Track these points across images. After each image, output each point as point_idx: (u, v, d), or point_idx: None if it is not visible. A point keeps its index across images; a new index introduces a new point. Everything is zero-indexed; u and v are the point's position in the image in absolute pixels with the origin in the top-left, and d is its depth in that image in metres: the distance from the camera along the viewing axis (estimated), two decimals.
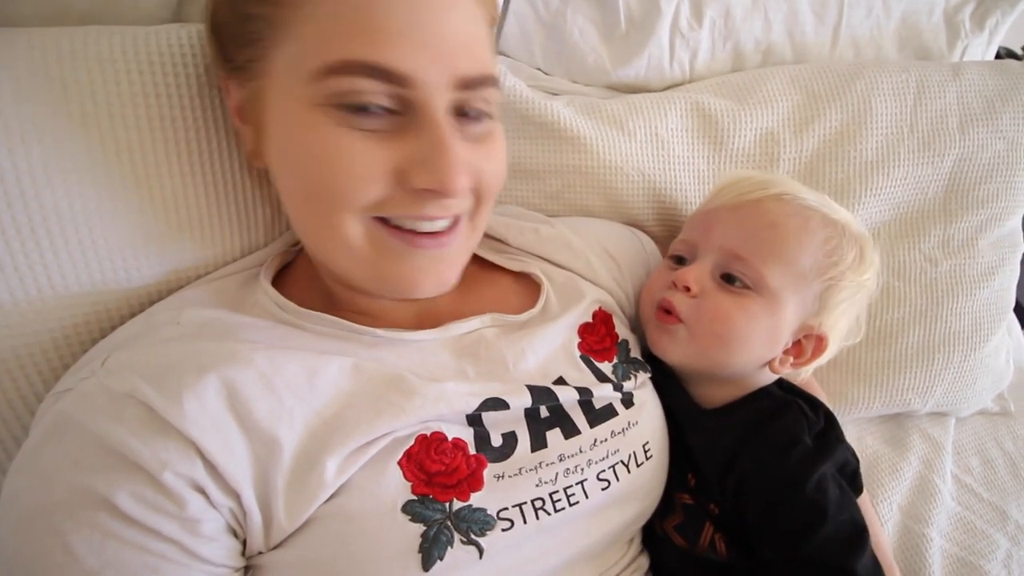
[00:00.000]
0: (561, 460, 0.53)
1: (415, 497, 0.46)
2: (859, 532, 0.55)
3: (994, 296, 0.95)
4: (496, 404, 0.53)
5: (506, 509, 0.49)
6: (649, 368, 0.66)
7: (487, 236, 0.70)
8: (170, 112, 0.57)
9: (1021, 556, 0.86)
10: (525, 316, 0.62)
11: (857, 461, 0.62)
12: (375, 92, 0.45)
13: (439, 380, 0.52)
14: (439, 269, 0.53)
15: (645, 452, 0.58)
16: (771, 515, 0.55)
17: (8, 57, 0.51)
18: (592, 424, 0.56)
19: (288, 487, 0.44)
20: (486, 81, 0.49)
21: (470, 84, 0.48)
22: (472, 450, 0.50)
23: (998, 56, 1.12)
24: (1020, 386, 1.07)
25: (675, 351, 0.63)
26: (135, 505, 0.40)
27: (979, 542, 0.87)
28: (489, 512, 0.48)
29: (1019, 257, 0.98)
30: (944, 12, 1.04)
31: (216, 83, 0.58)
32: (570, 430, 0.55)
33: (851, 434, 0.76)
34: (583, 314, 0.64)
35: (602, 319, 0.65)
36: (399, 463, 0.47)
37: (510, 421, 0.54)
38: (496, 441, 0.52)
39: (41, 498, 0.41)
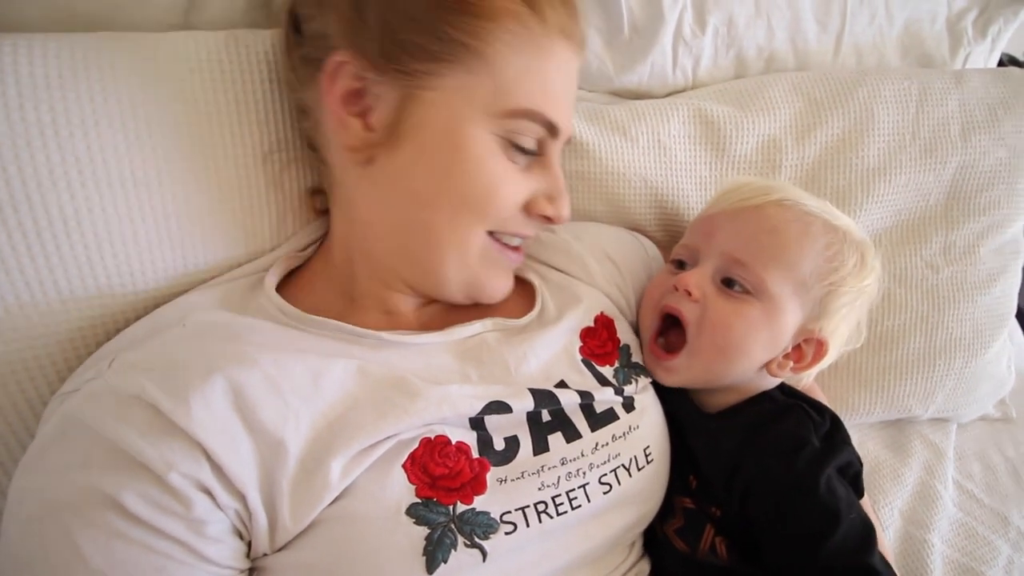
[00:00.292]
0: (563, 464, 0.53)
1: (419, 500, 0.46)
2: (870, 532, 0.55)
3: (995, 303, 0.95)
4: (499, 407, 0.53)
5: (509, 512, 0.49)
6: (650, 373, 0.66)
7: None
8: (174, 118, 0.57)
9: (1022, 562, 0.85)
10: (525, 320, 0.63)
11: (861, 465, 0.62)
12: (535, 136, 0.55)
13: (442, 383, 0.53)
14: (511, 276, 0.63)
15: (646, 456, 0.58)
16: (782, 520, 0.55)
17: (13, 62, 0.51)
18: (593, 428, 0.57)
19: (293, 489, 0.44)
20: None
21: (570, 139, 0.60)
22: (475, 453, 0.50)
23: (1000, 64, 1.12)
24: (1021, 392, 1.07)
25: (676, 380, 0.64)
26: (142, 505, 0.40)
27: (980, 548, 0.86)
28: (492, 515, 0.48)
29: (1020, 264, 0.98)
30: (947, 20, 1.04)
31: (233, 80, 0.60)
32: (572, 434, 0.55)
33: (853, 439, 0.76)
34: (584, 318, 0.65)
35: (604, 324, 0.66)
36: (403, 466, 0.47)
37: (512, 425, 0.54)
38: (499, 445, 0.52)
39: (48, 498, 0.41)
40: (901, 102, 0.90)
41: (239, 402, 0.45)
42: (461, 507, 0.47)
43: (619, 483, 0.55)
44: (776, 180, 0.86)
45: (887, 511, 0.87)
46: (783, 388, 0.68)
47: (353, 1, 0.51)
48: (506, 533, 0.48)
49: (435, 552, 0.45)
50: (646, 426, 0.60)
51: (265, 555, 0.46)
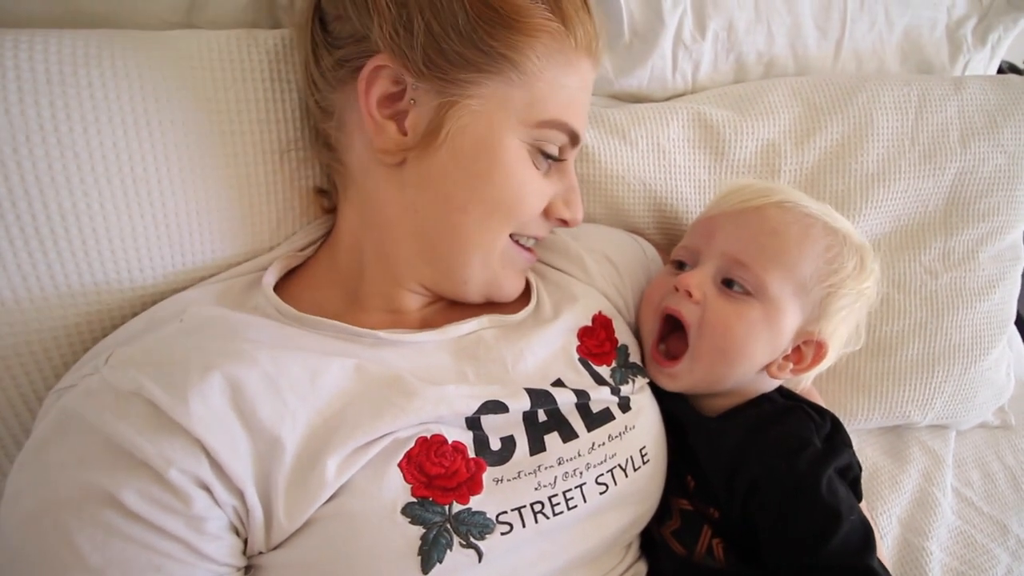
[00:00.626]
0: (559, 464, 0.53)
1: (415, 499, 0.46)
2: (870, 532, 0.55)
3: (995, 309, 0.95)
4: (495, 407, 0.53)
5: (505, 513, 0.49)
6: (647, 373, 0.66)
7: None
8: (174, 116, 0.57)
9: (1021, 571, 0.85)
10: (521, 316, 0.64)
11: (860, 469, 0.62)
12: (558, 144, 0.58)
13: (439, 383, 0.53)
14: (524, 276, 0.66)
15: (642, 456, 0.58)
16: (784, 520, 0.55)
17: (13, 57, 0.51)
18: (590, 428, 0.56)
19: (289, 487, 0.44)
20: None
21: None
22: (471, 453, 0.50)
23: (1000, 71, 1.12)
24: (1021, 399, 1.07)
25: (677, 386, 0.64)
26: (141, 502, 0.40)
27: (979, 556, 0.86)
28: (488, 515, 0.48)
29: (1020, 270, 0.98)
30: (946, 27, 1.05)
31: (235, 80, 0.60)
32: (568, 434, 0.55)
33: None
34: (582, 317, 0.65)
35: (602, 323, 0.66)
36: (399, 465, 0.47)
37: (509, 425, 0.54)
38: (495, 445, 0.52)
39: (46, 495, 0.41)
40: (900, 108, 0.90)
41: (237, 399, 0.45)
42: (457, 507, 0.47)
43: (615, 483, 0.55)
44: (777, 183, 0.86)
45: (885, 518, 0.87)
46: (782, 391, 0.68)
47: (398, 8, 0.51)
48: (502, 533, 0.48)
49: (431, 552, 0.44)
50: (642, 426, 0.60)
51: (261, 553, 0.45)
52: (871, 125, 0.89)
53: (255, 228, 0.63)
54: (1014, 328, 1.06)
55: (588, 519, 0.53)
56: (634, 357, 0.66)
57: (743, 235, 0.62)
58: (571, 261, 0.72)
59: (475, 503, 0.48)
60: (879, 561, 0.55)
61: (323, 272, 0.63)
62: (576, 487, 0.53)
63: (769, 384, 0.66)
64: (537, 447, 0.53)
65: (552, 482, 0.52)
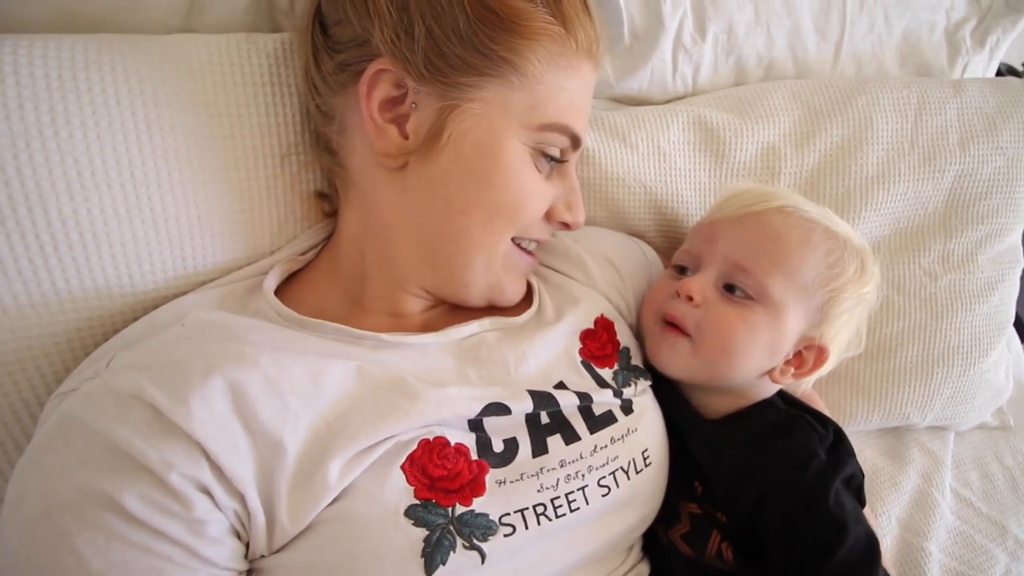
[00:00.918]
0: (562, 466, 0.53)
1: (418, 501, 0.46)
2: (875, 543, 0.56)
3: (994, 311, 0.95)
4: (498, 409, 0.53)
5: (508, 514, 0.49)
6: (650, 376, 0.66)
7: None
8: (174, 120, 0.57)
9: (1020, 571, 0.85)
10: (523, 318, 0.64)
11: (863, 476, 0.62)
12: (560, 147, 0.58)
13: (442, 385, 0.53)
14: (525, 279, 0.66)
15: (644, 459, 0.58)
16: (791, 532, 0.55)
17: (13, 62, 0.51)
18: (592, 430, 0.57)
19: (291, 490, 0.44)
20: None
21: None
22: (474, 455, 0.50)
23: (999, 73, 1.13)
24: (1019, 401, 1.07)
25: (677, 364, 0.63)
26: (142, 506, 0.40)
27: (978, 557, 0.86)
28: (491, 517, 0.48)
29: (1019, 272, 0.98)
30: (945, 29, 1.05)
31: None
32: (570, 436, 0.55)
33: None
34: (584, 320, 0.65)
35: (604, 326, 0.66)
36: (402, 467, 0.47)
37: (511, 427, 0.54)
38: (498, 447, 0.52)
39: (47, 499, 0.41)
40: (900, 111, 0.91)
41: (238, 402, 0.45)
42: (460, 509, 0.47)
43: (617, 486, 0.55)
44: (777, 187, 0.86)
45: (885, 519, 0.87)
46: (783, 396, 0.68)
47: (399, 12, 0.52)
48: (505, 535, 0.48)
49: (434, 554, 0.44)
50: (644, 429, 0.60)
51: (263, 556, 0.45)
52: (871, 128, 0.89)
53: (256, 232, 0.63)
54: (1013, 330, 1.06)
55: (590, 521, 0.53)
56: (636, 360, 0.66)
57: (745, 240, 0.62)
58: (573, 264, 0.72)
59: (478, 505, 0.48)
60: (884, 572, 0.55)
61: (324, 276, 0.63)
62: (578, 489, 0.53)
63: (770, 388, 0.66)
64: (540, 449, 0.53)
65: (554, 484, 0.52)
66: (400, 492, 0.46)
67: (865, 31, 1.00)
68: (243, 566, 0.45)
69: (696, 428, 0.64)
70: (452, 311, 0.65)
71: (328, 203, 0.67)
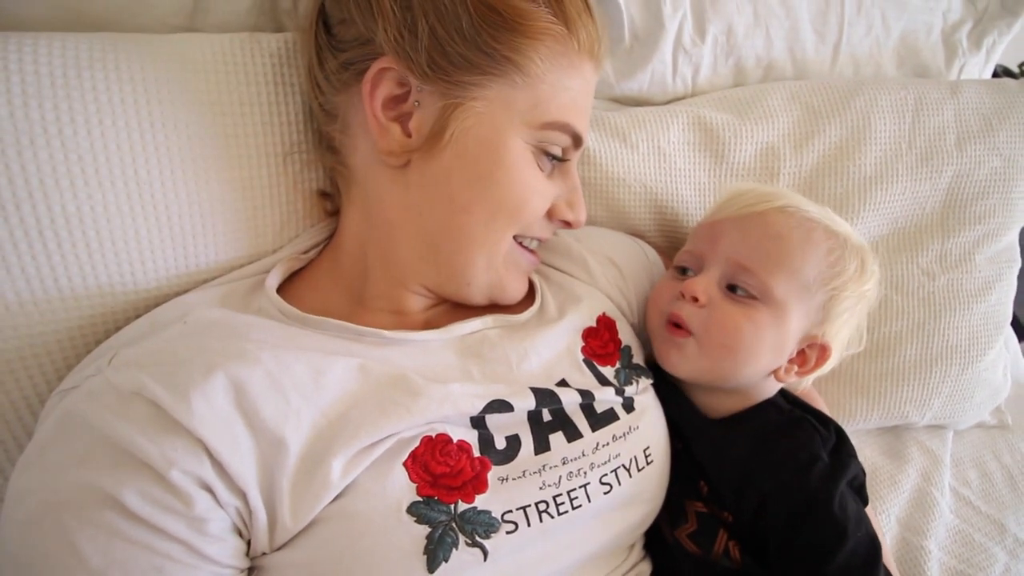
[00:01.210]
0: (564, 463, 0.53)
1: (420, 499, 0.46)
2: (876, 547, 0.56)
3: (991, 310, 0.96)
4: (500, 406, 0.53)
5: (510, 512, 0.49)
6: (651, 374, 0.66)
7: None
8: (177, 119, 0.57)
9: (1019, 569, 0.86)
10: (525, 316, 0.64)
11: (864, 475, 0.62)
12: (561, 146, 0.59)
13: (444, 381, 0.53)
14: (527, 278, 0.66)
15: (646, 457, 0.58)
16: (792, 534, 0.56)
17: (18, 60, 0.51)
18: (594, 428, 0.57)
19: (293, 488, 0.44)
20: None
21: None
22: (476, 452, 0.50)
23: (995, 75, 1.14)
24: (1017, 399, 1.08)
25: (684, 365, 0.64)
26: (142, 504, 0.40)
27: (977, 555, 0.87)
28: (494, 514, 0.48)
29: (1016, 272, 0.99)
30: (942, 31, 1.06)
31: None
32: (572, 433, 0.55)
33: None
34: (586, 318, 0.65)
35: (606, 324, 0.66)
36: (404, 464, 0.47)
37: (514, 424, 0.54)
38: (500, 444, 0.52)
39: (47, 497, 0.41)
40: (898, 112, 0.91)
41: (240, 399, 0.45)
42: (462, 506, 0.47)
43: (619, 483, 0.55)
44: (777, 187, 0.87)
45: (884, 517, 0.87)
46: (784, 395, 0.68)
47: (403, 12, 0.52)
48: (507, 532, 0.48)
49: (436, 551, 0.44)
50: (646, 427, 0.60)
51: (264, 554, 0.45)
52: (869, 128, 0.90)
53: (258, 231, 0.63)
54: (1010, 329, 1.07)
55: (592, 519, 0.53)
56: (637, 358, 0.66)
57: (747, 240, 0.63)
58: (574, 263, 0.72)
59: (480, 502, 0.48)
60: (887, 572, 0.55)
61: (326, 274, 0.63)
62: (580, 487, 0.53)
63: (773, 387, 0.66)
64: (542, 446, 0.54)
65: (557, 482, 0.52)
66: (402, 489, 0.46)
67: (863, 33, 1.01)
68: (244, 564, 0.45)
69: (699, 430, 0.64)
70: (454, 309, 0.65)
71: (330, 202, 0.67)
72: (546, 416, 0.56)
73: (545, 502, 0.50)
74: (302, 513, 0.44)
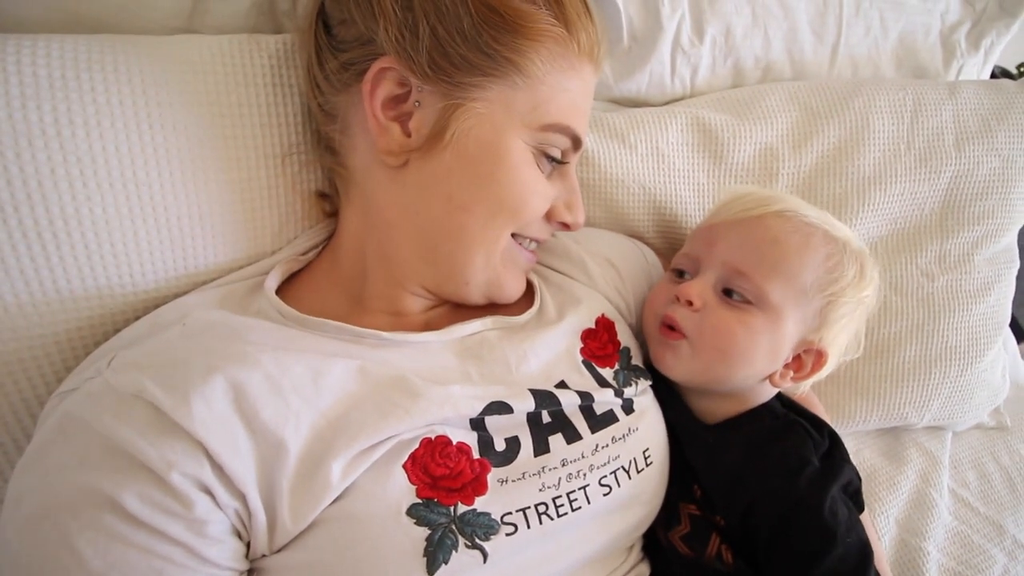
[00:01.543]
0: (563, 465, 0.53)
1: (420, 501, 0.46)
2: (866, 553, 0.56)
3: (990, 311, 0.96)
4: (500, 408, 0.53)
5: (510, 513, 0.49)
6: (650, 376, 0.66)
7: None
8: (176, 120, 0.57)
9: (1018, 571, 0.86)
10: (525, 317, 0.64)
11: (860, 480, 0.62)
12: (561, 148, 0.59)
13: (444, 383, 0.53)
14: (524, 277, 0.66)
15: (645, 458, 0.58)
16: (782, 538, 0.56)
17: (16, 61, 0.51)
18: (593, 429, 0.57)
19: (293, 489, 0.44)
20: None
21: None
22: (476, 454, 0.50)
23: (993, 76, 1.14)
24: (1016, 401, 1.08)
25: (678, 367, 0.63)
26: (142, 506, 0.40)
27: (976, 557, 0.87)
28: (493, 516, 0.48)
29: (1015, 273, 0.99)
30: (940, 32, 1.06)
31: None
32: (572, 435, 0.55)
33: (849, 447, 0.76)
34: (585, 320, 0.65)
35: (605, 326, 0.66)
36: (404, 466, 0.47)
37: (513, 426, 0.54)
38: (499, 446, 0.52)
39: (47, 499, 0.41)
40: (896, 112, 0.91)
41: (240, 401, 0.45)
42: (462, 508, 0.47)
43: (619, 485, 0.55)
44: (776, 190, 0.87)
45: (883, 519, 0.87)
46: (781, 400, 0.68)
47: (404, 12, 0.52)
48: (507, 534, 0.48)
49: (436, 553, 0.44)
50: (645, 428, 0.60)
51: (264, 556, 0.45)
52: (867, 129, 0.90)
53: (257, 232, 0.63)
54: (1009, 330, 1.07)
55: (592, 521, 0.53)
56: (636, 360, 0.66)
57: (744, 244, 0.62)
58: (573, 264, 0.72)
59: (480, 504, 0.48)
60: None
61: (325, 276, 0.63)
62: (580, 488, 0.53)
63: (769, 392, 0.66)
64: (541, 448, 0.53)
65: (556, 483, 0.52)
66: (402, 491, 0.46)
67: (861, 34, 1.01)
68: (244, 566, 0.45)
69: (693, 435, 0.64)
70: (453, 310, 0.65)
71: (329, 203, 0.67)
72: (545, 418, 0.56)
73: (544, 504, 0.50)
74: (302, 515, 0.44)
